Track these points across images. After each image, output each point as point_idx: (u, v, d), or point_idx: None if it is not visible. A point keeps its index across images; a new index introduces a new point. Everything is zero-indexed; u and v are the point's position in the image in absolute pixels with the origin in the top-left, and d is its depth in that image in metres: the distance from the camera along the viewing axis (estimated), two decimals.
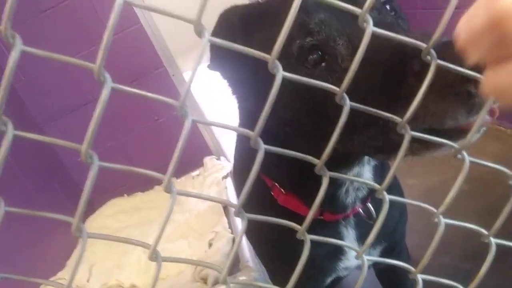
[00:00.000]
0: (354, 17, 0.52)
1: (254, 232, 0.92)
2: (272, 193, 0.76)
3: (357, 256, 0.44)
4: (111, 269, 1.59)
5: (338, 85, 0.50)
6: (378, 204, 0.75)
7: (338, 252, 0.81)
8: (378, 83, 0.50)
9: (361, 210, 0.76)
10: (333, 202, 0.73)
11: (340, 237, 0.79)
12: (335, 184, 0.70)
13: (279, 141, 0.54)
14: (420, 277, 0.45)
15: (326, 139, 0.39)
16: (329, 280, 0.86)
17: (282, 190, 0.75)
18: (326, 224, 0.76)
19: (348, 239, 0.79)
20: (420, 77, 0.41)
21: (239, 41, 0.65)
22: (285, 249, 0.79)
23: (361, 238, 0.81)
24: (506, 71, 0.28)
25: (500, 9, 0.25)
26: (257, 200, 0.81)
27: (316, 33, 0.54)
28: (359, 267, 1.00)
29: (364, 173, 0.70)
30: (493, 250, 0.45)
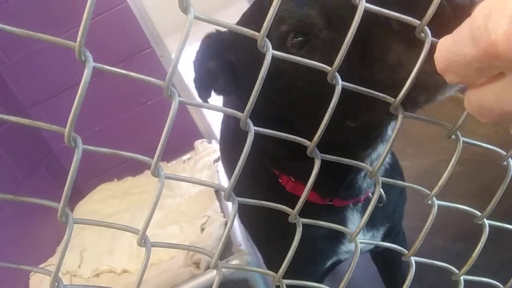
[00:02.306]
0: None
1: (251, 216, 0.91)
2: (280, 181, 0.77)
3: (350, 239, 0.44)
4: (102, 254, 1.58)
5: (325, 59, 0.48)
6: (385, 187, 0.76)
7: (340, 236, 0.81)
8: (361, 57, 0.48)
9: (371, 194, 0.76)
10: (350, 187, 0.72)
11: (345, 221, 0.78)
12: (355, 170, 0.70)
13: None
14: (413, 259, 0.45)
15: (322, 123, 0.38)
16: (329, 263, 0.87)
17: (292, 178, 0.75)
18: (333, 209, 0.76)
19: (353, 223, 0.79)
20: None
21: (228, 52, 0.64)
22: (283, 232, 0.79)
23: (366, 223, 0.81)
24: (491, 90, 0.29)
25: (495, 42, 0.25)
26: (263, 187, 0.82)
27: (288, 18, 0.52)
28: (364, 251, 1.01)
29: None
30: (486, 232, 0.45)
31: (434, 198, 0.43)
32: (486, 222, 0.46)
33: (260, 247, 0.98)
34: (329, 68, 0.37)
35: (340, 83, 0.38)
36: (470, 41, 0.27)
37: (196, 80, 0.69)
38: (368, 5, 0.36)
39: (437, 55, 0.31)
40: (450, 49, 0.30)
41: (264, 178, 0.80)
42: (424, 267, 0.48)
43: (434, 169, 1.80)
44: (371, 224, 0.85)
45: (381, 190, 0.75)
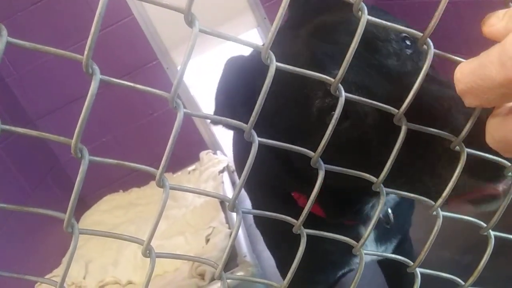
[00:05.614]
0: (371, 65, 0.50)
1: (266, 220, 0.92)
2: (292, 195, 0.77)
3: (354, 251, 0.44)
4: (107, 265, 1.58)
5: (368, 144, 0.51)
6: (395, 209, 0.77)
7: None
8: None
9: (381, 216, 0.76)
10: (357, 214, 0.72)
11: (358, 238, 0.78)
12: (362, 201, 0.69)
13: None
14: (418, 270, 0.45)
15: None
16: (341, 272, 0.87)
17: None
18: (345, 226, 0.75)
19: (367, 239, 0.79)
20: None
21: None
22: (297, 238, 0.79)
23: (379, 238, 0.82)
24: None
25: None
26: (277, 200, 0.82)
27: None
28: (372, 262, 0.99)
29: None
30: (492, 243, 0.44)
31: (439, 209, 0.43)
32: (492, 233, 0.45)
33: (274, 253, 0.99)
34: (332, 80, 0.38)
35: (343, 95, 0.38)
36: (499, 67, 0.27)
37: (218, 112, 0.64)
38: (370, 17, 0.36)
39: (458, 77, 0.31)
40: (475, 72, 0.29)
41: (282, 193, 0.80)
42: (431, 278, 0.48)
43: None
44: (385, 239, 0.85)
45: (390, 211, 0.75)
